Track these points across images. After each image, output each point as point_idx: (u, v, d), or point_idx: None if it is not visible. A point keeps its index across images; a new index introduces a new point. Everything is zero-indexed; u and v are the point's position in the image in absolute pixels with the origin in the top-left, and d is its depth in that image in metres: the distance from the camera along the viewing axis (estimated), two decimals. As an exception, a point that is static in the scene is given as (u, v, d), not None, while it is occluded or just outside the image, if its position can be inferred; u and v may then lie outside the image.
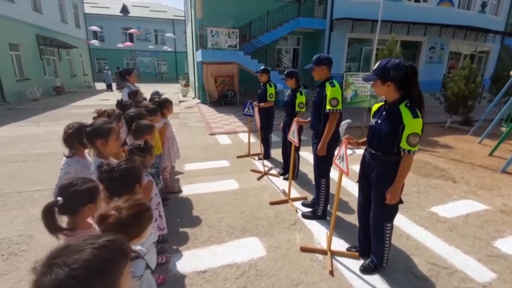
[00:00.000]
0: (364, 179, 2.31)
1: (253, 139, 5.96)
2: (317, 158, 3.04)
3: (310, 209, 3.37)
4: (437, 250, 2.70)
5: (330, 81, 2.86)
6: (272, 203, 3.61)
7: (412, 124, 1.87)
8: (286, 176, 4.44)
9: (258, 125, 4.80)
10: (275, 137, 5.95)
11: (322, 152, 2.88)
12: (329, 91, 2.78)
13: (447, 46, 15.65)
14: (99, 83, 24.18)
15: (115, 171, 1.39)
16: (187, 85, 17.29)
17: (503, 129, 7.16)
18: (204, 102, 13.07)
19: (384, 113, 2.06)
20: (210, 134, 7.27)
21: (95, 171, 1.82)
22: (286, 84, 4.68)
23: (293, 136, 3.38)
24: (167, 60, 32.56)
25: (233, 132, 7.54)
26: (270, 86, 5.00)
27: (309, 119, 3.23)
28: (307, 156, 5.51)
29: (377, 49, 8.36)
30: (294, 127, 3.33)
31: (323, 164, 3.03)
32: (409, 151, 1.93)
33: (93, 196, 1.34)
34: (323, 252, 2.58)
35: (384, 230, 2.18)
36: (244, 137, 7.10)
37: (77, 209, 1.30)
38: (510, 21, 17.32)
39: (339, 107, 2.78)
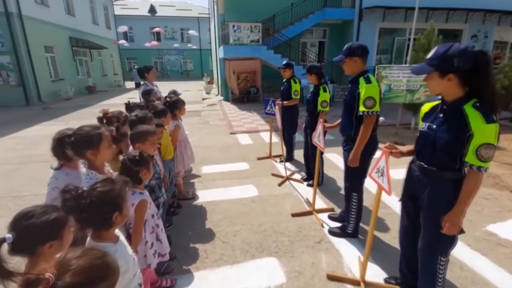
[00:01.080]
0: (410, 199, 1.83)
1: (275, 139, 5.55)
2: (348, 169, 2.57)
3: (338, 225, 2.93)
4: (501, 285, 2.16)
5: (366, 76, 2.36)
6: (294, 215, 3.21)
7: (484, 132, 1.39)
8: (310, 182, 4.01)
9: (279, 124, 4.38)
10: (299, 137, 5.50)
11: (354, 163, 2.42)
12: (363, 88, 2.30)
13: (492, 34, 14.04)
14: (128, 82, 24.97)
15: (84, 197, 1.09)
16: (210, 82, 17.22)
17: None
18: (226, 99, 12.85)
19: (441, 115, 1.58)
20: (231, 133, 6.98)
21: (86, 184, 1.57)
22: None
23: (318, 140, 2.95)
24: (193, 58, 32.94)
25: (254, 131, 7.19)
26: (295, 82, 4.56)
27: (338, 121, 2.77)
28: (333, 158, 5.02)
29: (414, 39, 7.53)
30: (319, 129, 2.90)
31: (355, 176, 2.56)
32: (479, 167, 1.44)
33: (56, 231, 1.04)
34: (355, 283, 2.15)
35: (437, 266, 1.69)
36: (266, 136, 6.73)
37: (33, 248, 1.01)
38: None
39: (376, 108, 2.29)
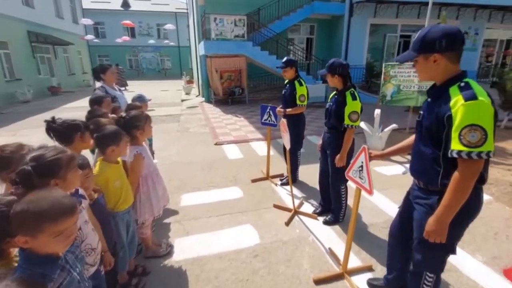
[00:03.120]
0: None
1: (271, 151, 4.48)
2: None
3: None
4: None
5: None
6: (318, 281, 2.19)
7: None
8: (328, 218, 3.01)
9: (287, 144, 3.18)
10: (310, 157, 4.49)
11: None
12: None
13: (482, 31, 13.75)
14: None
15: None
16: (190, 81, 15.88)
17: None
18: (208, 100, 11.64)
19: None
20: (216, 144, 5.85)
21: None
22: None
23: (358, 176, 1.94)
24: (171, 55, 31.17)
25: (244, 140, 6.10)
26: (300, 84, 3.52)
27: (392, 149, 1.83)
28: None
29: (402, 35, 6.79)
30: (362, 159, 1.90)
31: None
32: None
33: None
34: None
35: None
36: (258, 147, 5.66)
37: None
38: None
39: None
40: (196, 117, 8.78)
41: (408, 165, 1.68)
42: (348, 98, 2.56)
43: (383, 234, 2.77)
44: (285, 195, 3.70)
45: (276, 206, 3.35)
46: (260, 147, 5.65)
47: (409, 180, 1.73)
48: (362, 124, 5.33)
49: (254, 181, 4.09)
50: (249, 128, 7.12)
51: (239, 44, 10.07)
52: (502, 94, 7.32)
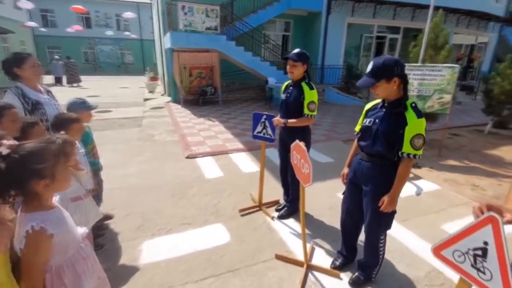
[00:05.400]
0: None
1: (255, 166, 3.50)
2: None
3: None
4: None
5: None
6: None
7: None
8: (355, 277, 2.13)
9: (305, 177, 2.06)
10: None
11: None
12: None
13: (451, 35, 14.04)
14: (49, 76, 20.19)
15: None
16: (154, 78, 14.30)
17: None
18: (176, 100, 10.33)
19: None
20: (188, 157, 4.74)
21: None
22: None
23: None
24: (132, 49, 28.69)
25: (222, 151, 5.05)
26: (311, 87, 2.59)
27: None
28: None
29: (416, 35, 6.30)
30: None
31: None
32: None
33: None
34: None
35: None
36: (240, 160, 4.67)
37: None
38: (510, 8, 16.19)
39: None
40: (162, 121, 7.50)
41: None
42: (411, 114, 1.69)
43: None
44: (287, 233, 2.77)
45: (279, 258, 2.40)
46: (243, 161, 4.66)
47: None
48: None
49: (243, 212, 3.10)
50: (226, 135, 6.08)
51: (211, 38, 8.93)
52: (487, 98, 7.13)
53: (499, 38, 16.41)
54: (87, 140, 2.42)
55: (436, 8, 12.23)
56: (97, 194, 2.50)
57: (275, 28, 12.87)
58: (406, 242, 2.69)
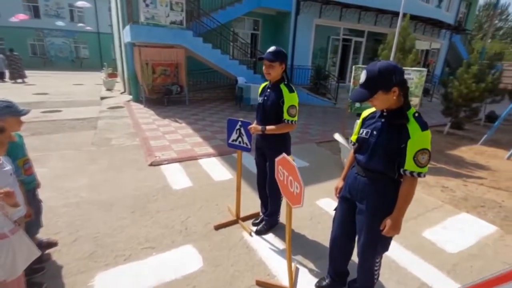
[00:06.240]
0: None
1: (228, 173, 3.18)
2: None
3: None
4: None
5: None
6: None
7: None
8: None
9: (295, 198, 1.74)
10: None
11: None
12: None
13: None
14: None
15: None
16: (113, 74, 13.19)
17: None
18: (137, 99, 9.55)
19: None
20: (152, 165, 4.24)
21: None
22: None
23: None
24: (88, 42, 26.47)
25: (190, 157, 4.62)
26: (291, 90, 2.31)
27: None
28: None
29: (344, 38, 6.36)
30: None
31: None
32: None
33: None
34: None
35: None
36: (210, 166, 4.28)
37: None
38: (457, 18, 17.64)
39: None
40: (121, 122, 6.79)
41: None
42: (414, 126, 1.47)
43: None
44: (267, 251, 2.48)
45: (261, 284, 2.09)
46: (214, 167, 4.28)
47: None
48: (337, 137, 4.47)
49: (218, 228, 2.74)
50: (194, 139, 5.63)
51: (176, 33, 8.34)
52: (446, 101, 7.53)
53: (449, 45, 17.79)
54: (16, 153, 1.90)
55: (397, 13, 12.80)
56: (33, 221, 1.98)
57: (244, 26, 12.56)
58: (392, 254, 2.53)
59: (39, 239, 2.28)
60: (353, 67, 5.31)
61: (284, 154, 1.75)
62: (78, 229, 2.64)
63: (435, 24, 14.83)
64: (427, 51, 17.19)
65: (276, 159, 1.82)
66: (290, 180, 1.63)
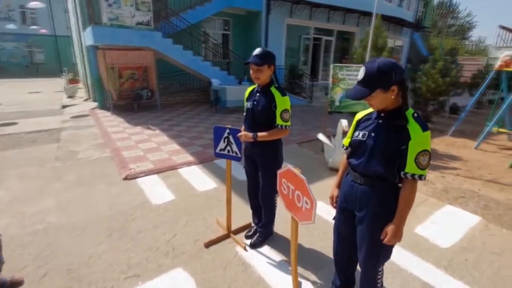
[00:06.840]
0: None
1: (213, 182, 2.94)
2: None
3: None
4: None
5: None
6: None
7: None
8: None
9: (304, 214, 1.62)
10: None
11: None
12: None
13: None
14: None
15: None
16: (74, 80, 12.26)
17: (497, 129, 6.28)
18: (104, 106, 8.91)
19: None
20: (126, 179, 3.88)
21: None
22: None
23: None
24: (44, 46, 24.53)
25: (169, 167, 4.31)
26: (283, 93, 2.17)
27: None
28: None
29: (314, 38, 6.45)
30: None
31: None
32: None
33: None
34: None
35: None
36: (192, 175, 4.02)
37: None
38: (417, 16, 18.68)
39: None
40: (87, 133, 6.24)
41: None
42: (415, 127, 1.39)
43: None
44: (266, 266, 2.31)
45: (263, 307, 1.92)
46: (196, 176, 4.03)
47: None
48: (321, 137, 4.42)
49: (208, 245, 2.52)
50: (171, 146, 5.29)
51: (144, 34, 7.88)
52: (415, 96, 7.86)
53: (410, 42, 18.79)
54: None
55: (363, 13, 13.25)
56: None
57: (214, 26, 12.25)
58: (392, 256, 2.47)
59: (1, 279, 1.93)
60: (331, 65, 5.30)
61: (288, 166, 1.59)
62: (48, 261, 2.29)
63: (398, 22, 15.56)
64: (392, 48, 18.00)
65: (279, 172, 1.66)
66: (298, 195, 1.47)
